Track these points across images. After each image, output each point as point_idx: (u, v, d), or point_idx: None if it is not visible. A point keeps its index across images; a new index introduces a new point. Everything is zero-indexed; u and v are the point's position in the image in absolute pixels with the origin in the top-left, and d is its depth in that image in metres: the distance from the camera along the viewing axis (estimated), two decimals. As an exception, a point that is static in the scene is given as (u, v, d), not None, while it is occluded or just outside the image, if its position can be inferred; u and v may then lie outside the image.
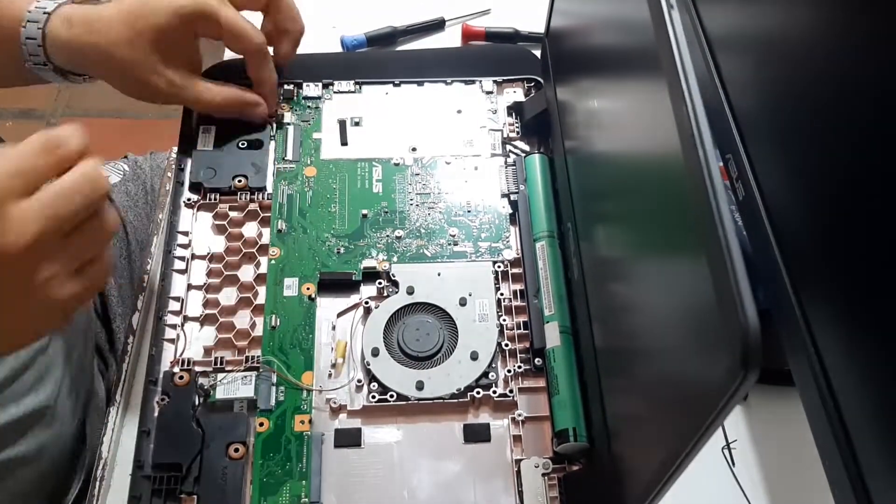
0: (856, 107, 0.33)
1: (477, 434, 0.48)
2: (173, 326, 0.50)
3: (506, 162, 0.58)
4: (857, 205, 0.33)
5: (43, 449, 0.48)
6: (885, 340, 0.32)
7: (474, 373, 0.49)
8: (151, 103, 0.55)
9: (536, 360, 0.50)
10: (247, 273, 0.52)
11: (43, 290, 0.36)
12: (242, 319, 0.51)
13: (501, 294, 0.52)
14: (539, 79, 0.62)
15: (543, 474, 0.46)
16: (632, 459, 0.39)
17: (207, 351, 0.50)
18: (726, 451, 0.50)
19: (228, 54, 0.68)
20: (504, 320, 0.51)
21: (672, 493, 0.33)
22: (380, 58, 0.68)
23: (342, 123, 0.59)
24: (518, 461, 0.47)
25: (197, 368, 0.49)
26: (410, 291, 0.52)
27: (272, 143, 0.58)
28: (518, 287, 0.53)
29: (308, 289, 0.52)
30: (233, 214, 0.55)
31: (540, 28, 0.60)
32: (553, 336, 0.49)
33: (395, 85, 0.62)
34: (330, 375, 0.49)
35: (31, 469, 0.48)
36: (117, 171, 0.70)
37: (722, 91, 0.45)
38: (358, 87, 0.62)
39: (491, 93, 0.62)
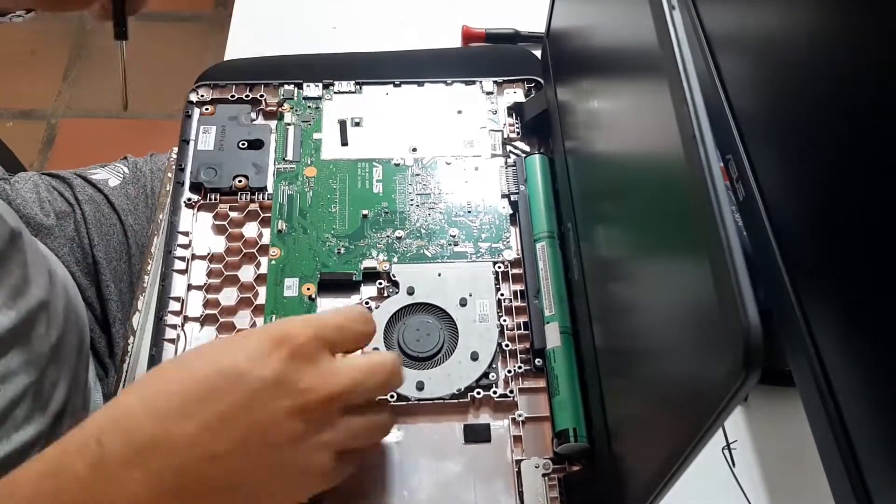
0: (856, 107, 0.33)
1: (477, 434, 0.48)
2: (174, 327, 0.50)
3: (506, 162, 0.58)
4: (858, 205, 0.33)
5: None
6: (885, 340, 0.32)
7: (474, 373, 0.49)
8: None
9: (537, 360, 0.50)
10: (247, 273, 0.52)
11: (313, 453, 0.36)
12: (243, 320, 0.51)
13: (502, 294, 0.52)
14: (539, 79, 0.62)
15: (544, 475, 0.46)
16: (632, 460, 0.39)
17: (208, 351, 0.50)
18: (726, 452, 0.50)
19: (229, 54, 0.69)
20: (504, 321, 0.51)
21: (672, 494, 0.33)
22: (380, 58, 0.68)
23: (342, 124, 0.59)
24: (518, 461, 0.47)
25: (197, 369, 0.49)
26: (411, 292, 0.52)
27: (272, 143, 0.58)
28: (518, 287, 0.53)
29: (308, 289, 0.52)
30: (233, 215, 0.55)
31: (540, 28, 0.60)
32: (553, 336, 0.49)
33: (396, 85, 0.62)
34: (330, 376, 0.49)
35: None
36: (117, 174, 0.70)
37: (722, 91, 0.45)
38: (358, 87, 0.62)
39: (491, 93, 0.62)
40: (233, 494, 0.36)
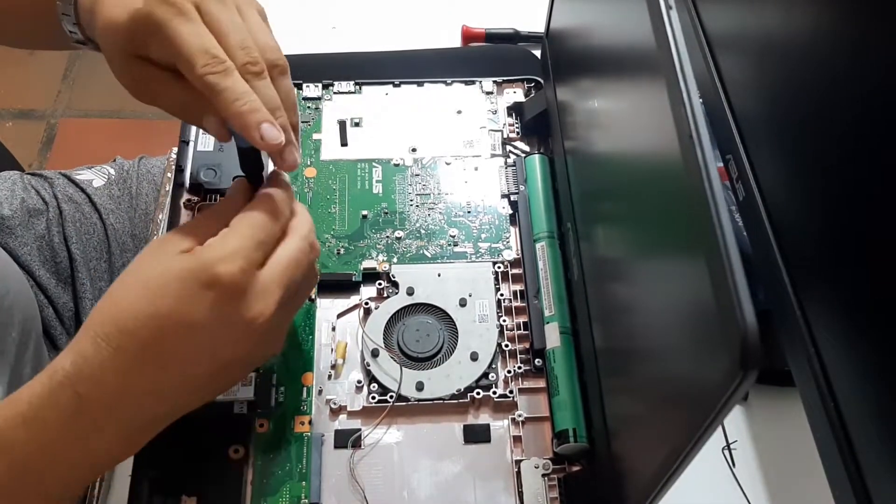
0: (856, 107, 0.33)
1: (477, 435, 0.48)
2: (173, 327, 0.50)
3: (506, 162, 0.58)
4: (857, 205, 0.33)
5: None
6: (884, 340, 0.32)
7: (474, 373, 0.49)
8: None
9: (536, 360, 0.50)
10: (247, 274, 0.52)
11: (269, 346, 0.40)
12: (242, 320, 0.51)
13: (501, 295, 0.52)
14: (539, 79, 0.62)
15: (543, 475, 0.46)
16: (632, 460, 0.39)
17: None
18: (726, 452, 0.50)
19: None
20: (504, 321, 0.51)
21: (672, 494, 0.33)
22: (380, 58, 0.68)
23: (342, 124, 0.59)
24: (518, 462, 0.47)
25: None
26: (410, 292, 0.52)
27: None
28: (518, 288, 0.53)
29: (308, 289, 0.52)
30: (233, 215, 0.55)
31: (540, 28, 0.60)
32: (553, 337, 0.49)
33: (395, 85, 0.62)
34: (330, 376, 0.49)
35: None
36: (102, 175, 0.70)
37: (722, 91, 0.45)
38: (358, 87, 0.62)
39: (491, 93, 0.62)
40: (204, 398, 0.40)
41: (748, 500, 0.48)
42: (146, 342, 0.35)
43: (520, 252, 0.54)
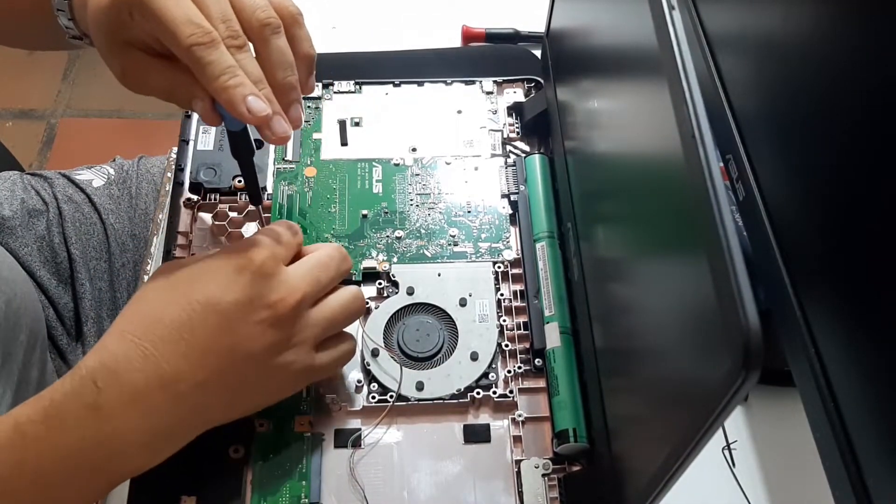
0: (856, 107, 0.33)
1: (477, 434, 0.48)
2: (173, 327, 0.50)
3: (506, 162, 0.58)
4: (857, 205, 0.33)
5: None
6: (885, 340, 0.32)
7: (474, 373, 0.49)
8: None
9: (536, 360, 0.50)
10: (247, 273, 0.52)
11: (294, 354, 0.41)
12: (242, 320, 0.51)
13: (501, 294, 0.52)
14: (539, 79, 0.62)
15: (543, 475, 0.46)
16: (632, 460, 0.39)
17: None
18: (726, 452, 0.50)
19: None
20: (504, 321, 0.51)
21: (672, 494, 0.33)
22: (380, 58, 0.68)
23: (342, 123, 0.59)
24: (518, 462, 0.46)
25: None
26: (410, 292, 0.52)
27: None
28: (518, 287, 0.53)
29: (308, 289, 0.52)
30: (232, 215, 0.55)
31: (540, 28, 0.60)
32: (553, 337, 0.49)
33: (395, 85, 0.62)
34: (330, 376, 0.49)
35: None
36: (102, 175, 0.70)
37: (722, 91, 0.45)
38: (358, 87, 0.62)
39: (491, 93, 0.62)
40: (227, 410, 0.41)
41: (748, 500, 0.48)
42: (172, 330, 0.37)
43: (520, 252, 0.54)
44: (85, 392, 0.36)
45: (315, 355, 0.42)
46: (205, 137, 0.57)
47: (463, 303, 0.51)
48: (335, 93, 0.61)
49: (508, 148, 0.59)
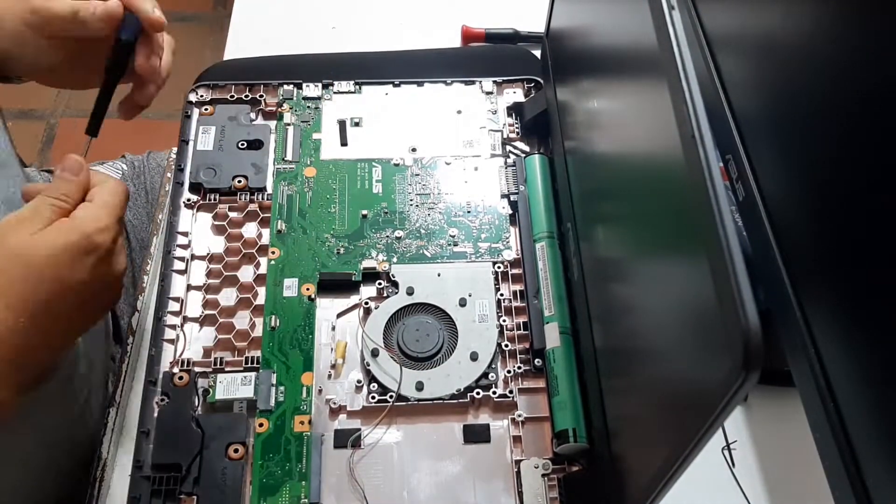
0: (856, 107, 0.33)
1: (477, 435, 0.48)
2: (173, 327, 0.50)
3: (506, 162, 0.58)
4: (857, 205, 0.33)
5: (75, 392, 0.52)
6: (884, 340, 0.32)
7: (474, 373, 0.49)
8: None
9: (536, 360, 0.50)
10: (246, 274, 0.52)
11: (118, 267, 0.44)
12: (242, 320, 0.51)
13: (501, 294, 0.52)
14: (539, 79, 0.62)
15: (543, 475, 0.46)
16: (632, 460, 0.38)
17: (207, 351, 0.50)
18: (726, 452, 0.50)
19: (228, 54, 0.69)
20: (504, 321, 0.51)
21: (672, 494, 0.33)
22: (379, 58, 0.68)
23: (342, 124, 0.59)
24: (518, 462, 0.46)
25: (196, 369, 0.49)
26: (410, 292, 0.52)
27: (272, 143, 0.58)
28: (518, 287, 0.53)
29: (308, 289, 0.52)
30: (232, 215, 0.55)
31: (540, 28, 0.60)
32: (553, 337, 0.49)
33: (395, 85, 0.62)
34: (330, 376, 0.49)
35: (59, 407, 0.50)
36: (116, 171, 0.70)
37: (722, 91, 0.45)
38: (358, 87, 0.62)
39: (491, 93, 0.62)
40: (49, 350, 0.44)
41: (748, 500, 0.48)
42: (36, 305, 0.40)
43: (520, 252, 0.54)
44: None
45: (112, 261, 0.44)
46: (205, 138, 0.57)
47: (463, 303, 0.51)
48: (335, 93, 0.61)
49: (508, 148, 0.59)
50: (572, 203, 0.51)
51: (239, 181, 0.55)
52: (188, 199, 0.55)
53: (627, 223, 0.40)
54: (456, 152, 0.59)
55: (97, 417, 0.53)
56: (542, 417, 0.48)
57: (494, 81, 0.62)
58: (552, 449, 0.47)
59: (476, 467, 0.47)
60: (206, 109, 0.59)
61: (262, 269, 0.52)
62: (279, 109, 0.60)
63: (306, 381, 0.48)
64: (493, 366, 0.50)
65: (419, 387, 0.48)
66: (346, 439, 0.47)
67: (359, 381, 0.49)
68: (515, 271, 0.53)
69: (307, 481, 0.45)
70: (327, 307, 0.52)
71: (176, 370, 0.48)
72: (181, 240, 0.54)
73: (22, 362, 0.40)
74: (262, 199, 0.55)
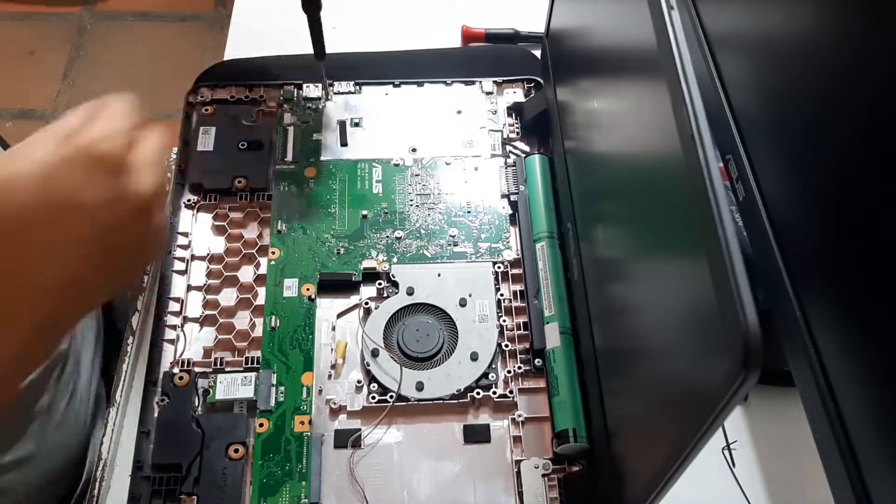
0: (856, 107, 0.33)
1: (477, 435, 0.48)
2: (173, 327, 0.50)
3: (506, 162, 0.58)
4: (857, 205, 0.33)
5: (49, 449, 0.49)
6: (884, 341, 0.32)
7: (474, 373, 0.49)
8: None
9: (536, 360, 0.50)
10: (246, 274, 0.52)
11: (141, 186, 0.39)
12: (242, 320, 0.51)
13: (501, 295, 0.52)
14: (539, 79, 0.62)
15: (543, 475, 0.46)
16: (632, 460, 0.38)
17: (207, 352, 0.50)
18: (726, 452, 0.50)
19: (228, 54, 0.69)
20: (504, 321, 0.51)
21: (672, 494, 0.33)
22: (380, 58, 0.68)
23: (342, 124, 0.59)
24: (518, 462, 0.47)
25: (197, 369, 0.49)
26: (410, 292, 0.52)
27: (272, 143, 0.58)
28: (518, 288, 0.53)
29: (308, 289, 0.52)
30: (233, 215, 0.55)
31: (540, 28, 0.60)
32: (553, 337, 0.49)
33: (395, 85, 0.62)
34: (330, 376, 0.49)
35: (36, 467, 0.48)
36: None
37: (722, 91, 0.45)
38: (358, 87, 0.62)
39: (491, 93, 0.62)
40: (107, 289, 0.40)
41: (748, 500, 0.48)
42: (39, 229, 0.35)
43: (520, 252, 0.54)
44: None
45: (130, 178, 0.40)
46: (205, 138, 0.57)
47: (463, 303, 0.51)
48: (335, 93, 0.61)
49: (508, 148, 0.59)
50: (572, 203, 0.51)
51: (239, 181, 0.55)
52: (188, 200, 0.55)
53: (627, 223, 0.40)
54: (456, 152, 0.59)
55: (88, 417, 0.53)
56: (542, 417, 0.48)
57: (494, 81, 0.62)
58: (552, 449, 0.47)
59: (476, 467, 0.47)
60: (206, 110, 0.59)
61: (263, 270, 0.52)
62: (279, 110, 0.60)
63: (306, 381, 0.48)
64: (494, 366, 0.50)
65: (419, 387, 0.48)
66: (347, 439, 0.47)
67: (359, 382, 0.49)
68: (515, 271, 0.53)
69: (307, 481, 0.45)
70: (327, 307, 0.52)
71: (176, 370, 0.48)
72: (181, 240, 0.54)
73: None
74: (263, 199, 0.55)
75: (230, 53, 0.68)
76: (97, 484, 0.47)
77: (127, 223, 0.39)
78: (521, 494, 0.46)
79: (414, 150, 0.59)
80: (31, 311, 0.36)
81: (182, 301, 0.51)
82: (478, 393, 0.49)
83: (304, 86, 0.61)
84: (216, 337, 0.50)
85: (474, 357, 0.49)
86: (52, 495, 0.52)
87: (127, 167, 0.38)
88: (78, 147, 0.37)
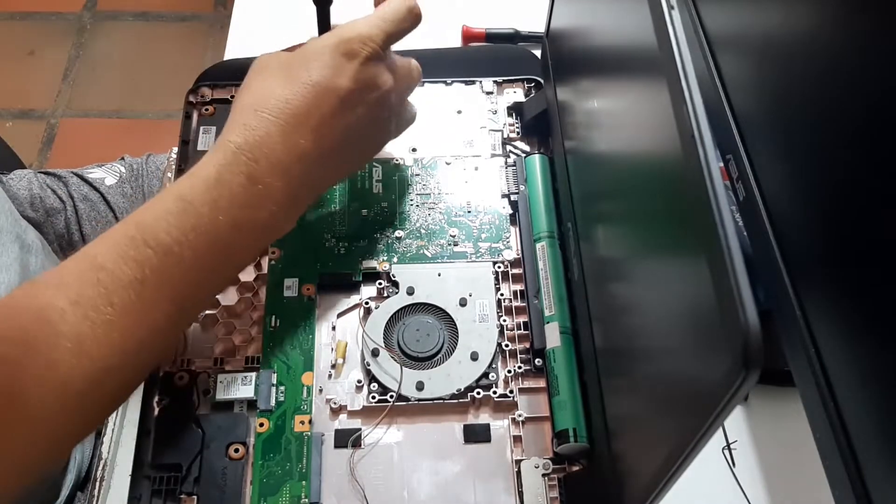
0: (856, 106, 0.33)
1: (477, 434, 0.48)
2: (173, 327, 0.50)
3: (506, 162, 0.58)
4: (857, 205, 0.33)
5: None
6: (884, 340, 0.32)
7: (474, 373, 0.49)
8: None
9: (536, 360, 0.50)
10: (247, 274, 0.52)
11: (392, 121, 0.49)
12: (242, 320, 0.51)
13: (501, 294, 0.52)
14: (539, 79, 0.62)
15: (544, 475, 0.46)
16: (632, 460, 0.39)
17: (207, 351, 0.50)
18: (726, 452, 0.50)
19: (228, 54, 0.69)
20: (504, 321, 0.51)
21: (672, 494, 0.33)
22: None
23: (342, 124, 0.59)
24: (518, 462, 0.47)
25: (197, 369, 0.49)
26: (410, 292, 0.52)
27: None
28: (518, 287, 0.53)
29: (308, 289, 0.52)
30: (233, 215, 0.55)
31: (540, 28, 0.60)
32: (553, 336, 0.49)
33: (395, 85, 0.62)
34: (330, 376, 0.49)
35: None
36: (113, 173, 0.70)
37: (722, 91, 0.45)
38: (358, 87, 0.61)
39: (491, 93, 0.62)
40: (336, 178, 0.51)
41: (748, 500, 0.48)
42: (302, 109, 0.42)
43: (520, 252, 0.54)
44: (240, 164, 0.41)
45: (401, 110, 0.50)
46: (205, 138, 0.57)
47: (463, 303, 0.51)
48: (335, 93, 0.61)
49: (508, 148, 0.59)
50: (572, 203, 0.51)
51: (239, 181, 0.55)
52: (188, 199, 0.55)
53: (627, 223, 0.40)
54: (456, 152, 0.59)
55: None
56: (542, 417, 0.48)
57: (494, 81, 0.62)
58: (552, 449, 0.47)
59: (476, 467, 0.47)
60: (206, 110, 0.59)
61: (263, 269, 0.52)
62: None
63: (306, 380, 0.48)
64: (494, 366, 0.50)
65: (419, 387, 0.48)
66: (347, 439, 0.47)
67: (359, 381, 0.49)
68: (516, 271, 0.53)
69: (307, 481, 0.45)
70: (327, 307, 0.52)
71: (176, 370, 0.48)
72: (181, 240, 0.54)
73: (289, 171, 0.42)
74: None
75: (230, 53, 0.68)
76: (97, 484, 0.47)
77: (377, 109, 0.46)
78: (521, 494, 0.46)
79: (414, 149, 0.59)
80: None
81: (182, 301, 0.51)
82: (478, 393, 0.49)
83: (305, 86, 0.61)
84: (216, 337, 0.50)
85: (474, 357, 0.49)
86: (46, 493, 0.52)
87: (378, 59, 0.45)
88: (335, 40, 0.44)
